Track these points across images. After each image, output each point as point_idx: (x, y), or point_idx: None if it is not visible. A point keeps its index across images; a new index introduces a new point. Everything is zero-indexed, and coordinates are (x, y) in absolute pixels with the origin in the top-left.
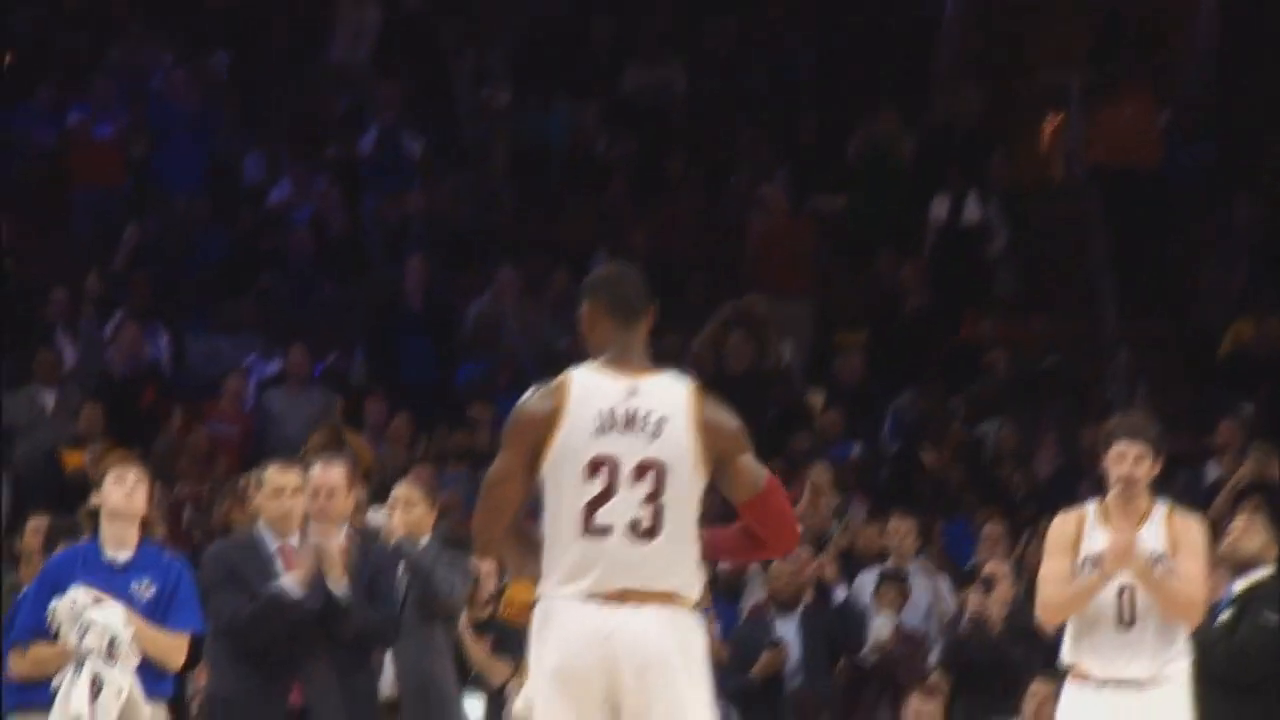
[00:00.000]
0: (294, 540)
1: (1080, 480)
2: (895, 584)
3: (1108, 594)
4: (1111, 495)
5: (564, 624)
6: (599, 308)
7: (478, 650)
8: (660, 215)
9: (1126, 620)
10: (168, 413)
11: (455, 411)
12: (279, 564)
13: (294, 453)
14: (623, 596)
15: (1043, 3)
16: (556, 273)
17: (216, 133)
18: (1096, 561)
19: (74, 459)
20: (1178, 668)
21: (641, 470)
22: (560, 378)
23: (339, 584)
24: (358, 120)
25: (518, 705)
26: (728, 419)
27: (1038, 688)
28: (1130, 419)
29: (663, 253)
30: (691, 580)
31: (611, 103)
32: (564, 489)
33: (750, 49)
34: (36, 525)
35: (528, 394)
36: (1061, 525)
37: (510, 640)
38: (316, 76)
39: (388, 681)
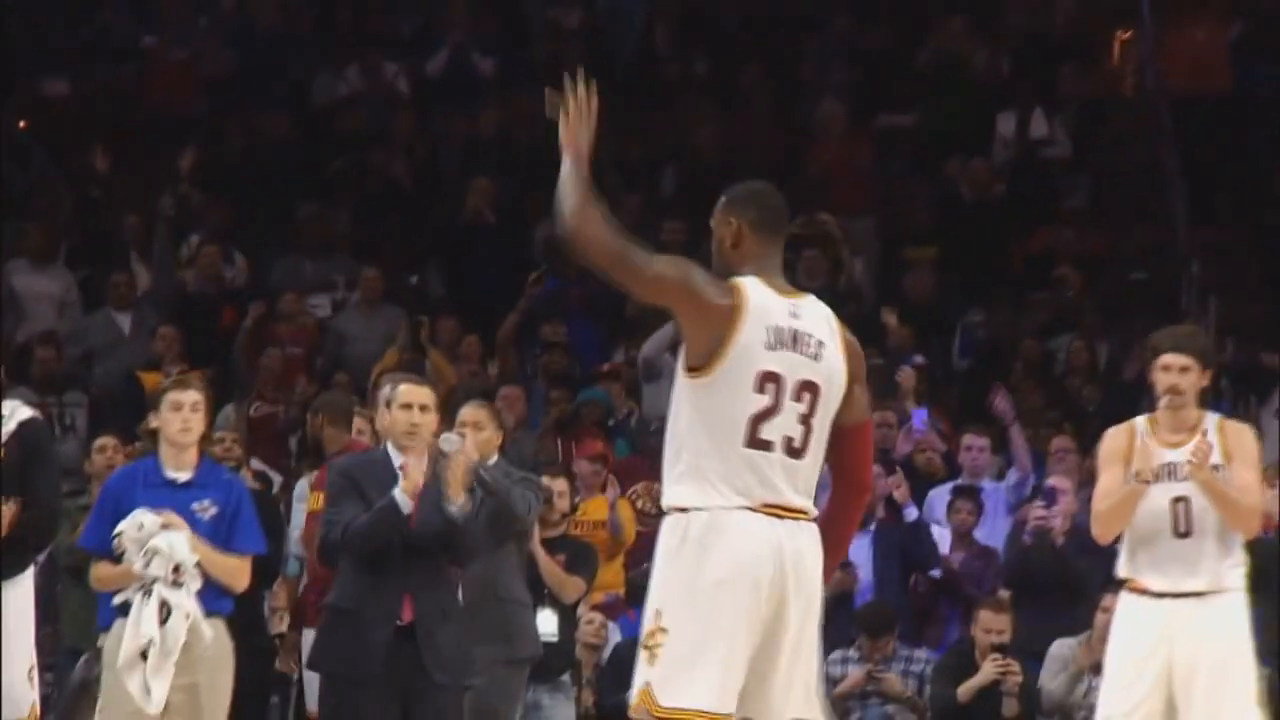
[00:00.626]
0: (411, 459)
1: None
2: (968, 500)
3: (1162, 505)
4: (1160, 407)
5: (731, 534)
6: (748, 221)
7: (552, 567)
8: (731, 130)
9: (1183, 531)
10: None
11: (528, 330)
12: (401, 478)
13: (365, 372)
14: (780, 512)
15: None
16: (628, 194)
17: (291, 53)
18: (1158, 474)
19: (151, 380)
20: (1236, 577)
21: (800, 390)
22: (730, 281)
23: (455, 503)
24: (427, 39)
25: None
26: (858, 345)
27: (1110, 601)
28: (1175, 331)
29: (731, 167)
30: (812, 500)
31: (682, 14)
32: (732, 397)
33: None
34: (103, 444)
35: (694, 267)
36: (1113, 439)
37: (582, 557)
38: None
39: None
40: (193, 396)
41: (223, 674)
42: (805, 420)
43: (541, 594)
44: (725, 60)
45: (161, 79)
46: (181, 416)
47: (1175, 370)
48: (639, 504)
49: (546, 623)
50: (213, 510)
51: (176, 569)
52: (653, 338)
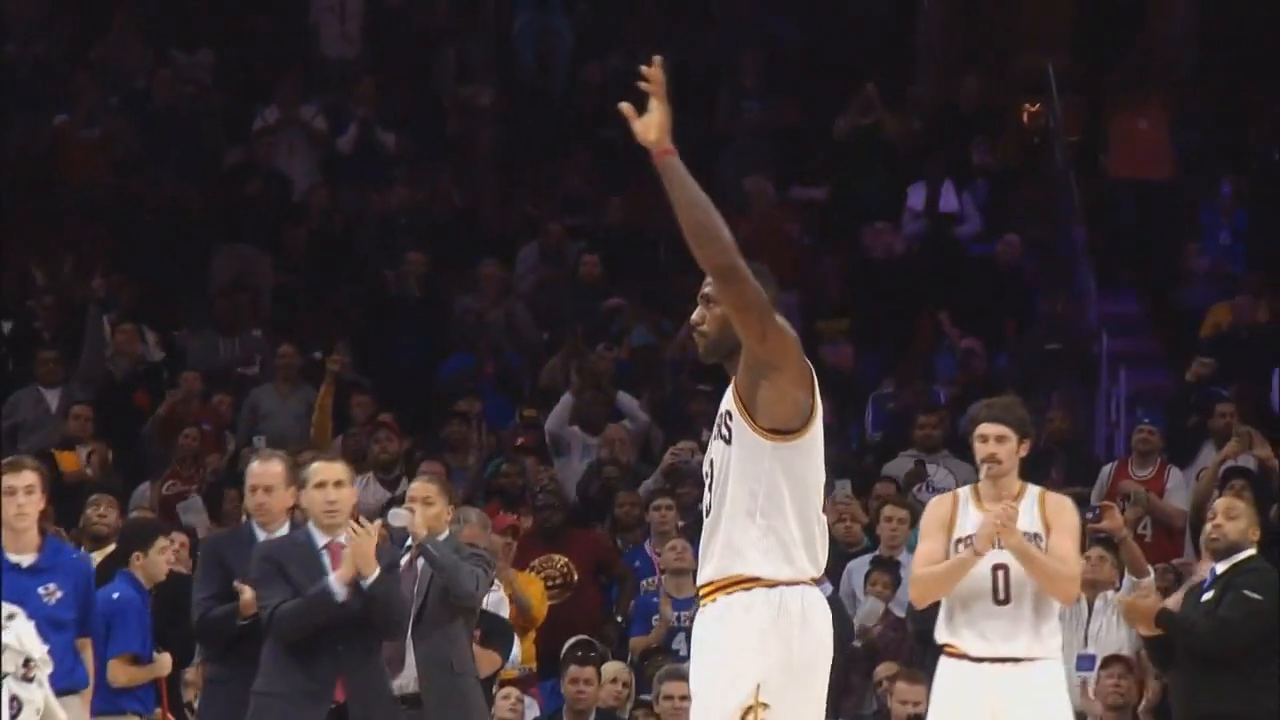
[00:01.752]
0: (342, 538)
1: (1051, 462)
2: (885, 572)
3: (983, 571)
4: (981, 476)
5: (819, 613)
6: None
7: None
8: (642, 198)
9: (1002, 598)
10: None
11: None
12: (326, 561)
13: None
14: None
15: None
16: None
17: (202, 130)
18: (969, 542)
19: (67, 460)
20: (1054, 645)
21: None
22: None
23: (370, 578)
24: (337, 116)
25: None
26: None
27: None
28: (994, 402)
29: (641, 236)
30: None
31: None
32: (817, 461)
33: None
34: None
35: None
36: (935, 508)
37: (498, 631)
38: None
39: (410, 675)
40: (27, 479)
41: None
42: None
43: None
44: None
45: (73, 156)
46: (16, 501)
47: (992, 440)
48: (545, 577)
49: None
50: (59, 594)
51: (27, 663)
52: (553, 412)
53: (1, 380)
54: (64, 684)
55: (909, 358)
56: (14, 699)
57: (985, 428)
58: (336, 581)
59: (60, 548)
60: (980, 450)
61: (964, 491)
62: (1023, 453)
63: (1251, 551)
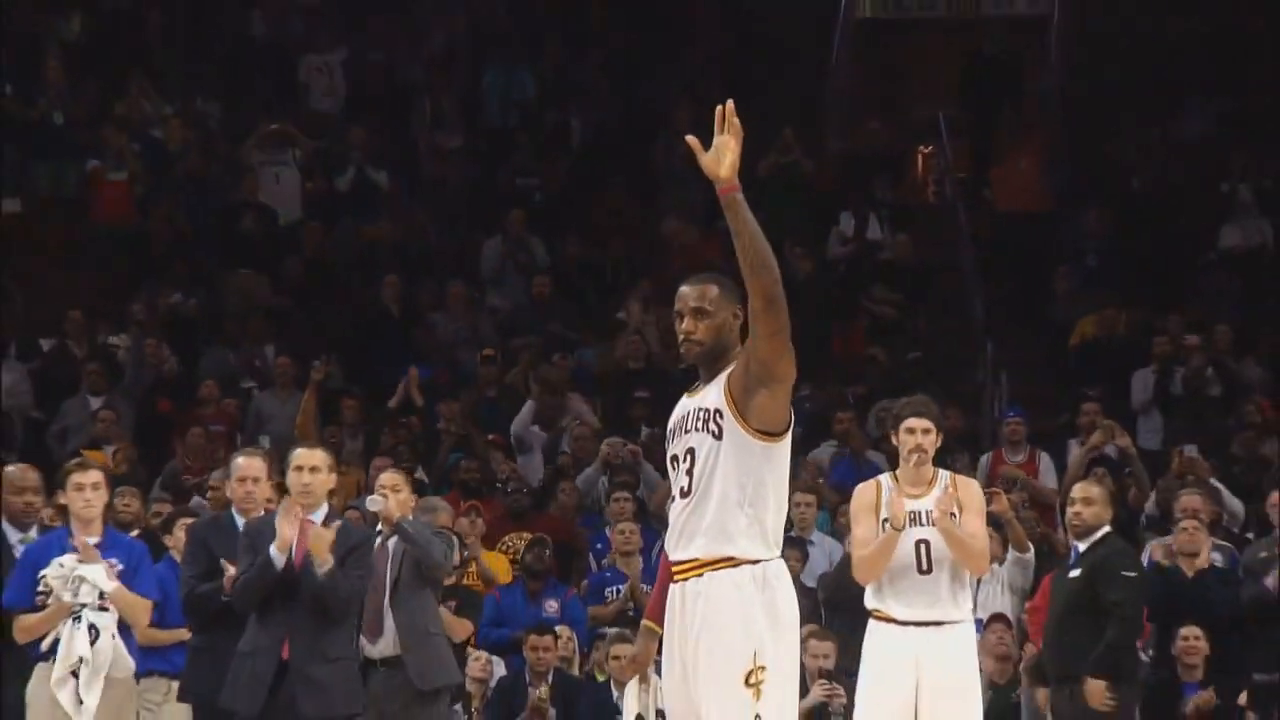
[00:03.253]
0: (316, 515)
1: (948, 455)
2: (796, 549)
3: (907, 546)
4: (903, 464)
5: (788, 584)
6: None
7: (443, 611)
8: (592, 232)
9: (925, 569)
10: (177, 417)
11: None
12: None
13: (281, 446)
14: None
15: (916, 45)
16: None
17: (209, 173)
18: (905, 521)
19: (97, 457)
20: (967, 609)
21: None
22: None
23: (321, 566)
24: (330, 160)
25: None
26: None
27: None
28: (915, 400)
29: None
30: None
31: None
32: (788, 463)
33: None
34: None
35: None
36: (863, 493)
37: (470, 603)
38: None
39: (389, 640)
40: (93, 477)
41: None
42: None
43: None
44: (584, 178)
45: (103, 196)
46: (83, 496)
47: (919, 432)
48: (510, 552)
49: None
50: (118, 567)
51: (101, 594)
52: (518, 417)
53: (45, 388)
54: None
55: (826, 364)
56: (92, 626)
57: (912, 421)
58: (275, 550)
59: (117, 534)
60: (908, 441)
61: (884, 478)
62: (939, 443)
63: (1107, 529)
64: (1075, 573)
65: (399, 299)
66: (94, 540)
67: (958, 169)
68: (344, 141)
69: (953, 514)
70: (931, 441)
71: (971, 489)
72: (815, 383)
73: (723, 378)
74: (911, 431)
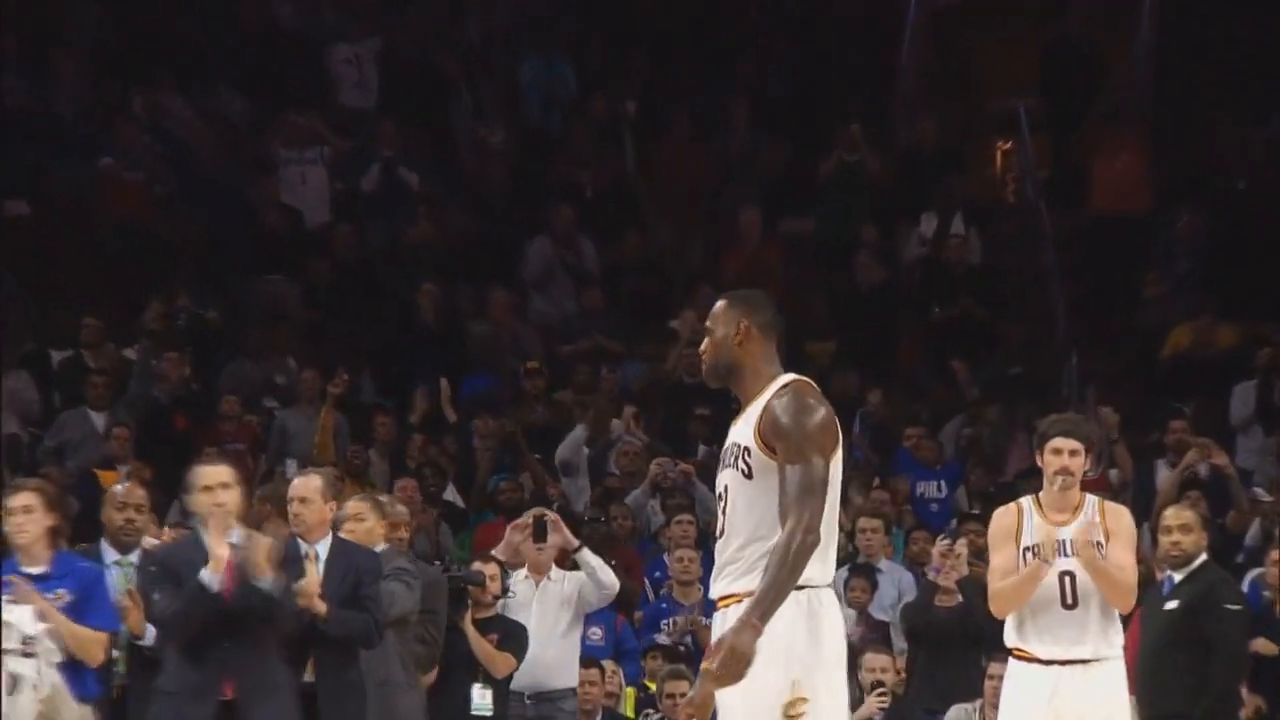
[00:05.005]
0: (233, 537)
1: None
2: (863, 578)
3: (1051, 579)
4: (1048, 488)
5: (836, 615)
6: (757, 324)
7: (483, 644)
8: (652, 236)
9: (1070, 603)
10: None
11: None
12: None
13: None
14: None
15: (993, 32)
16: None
17: (235, 171)
18: (1037, 550)
19: (108, 478)
20: (1117, 644)
21: None
22: (803, 380)
23: (265, 579)
24: (358, 159)
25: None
26: None
27: (996, 669)
28: (1065, 418)
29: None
30: None
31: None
32: (836, 482)
33: (722, 80)
34: None
35: (801, 402)
36: (1002, 519)
37: (514, 636)
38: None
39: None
40: (24, 500)
41: None
42: None
43: (476, 671)
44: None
45: (117, 196)
46: (15, 520)
47: (1065, 454)
48: None
49: (481, 698)
50: (67, 598)
51: (25, 640)
52: (567, 440)
53: (50, 406)
54: (80, 691)
55: (896, 375)
56: (12, 675)
57: (1059, 442)
58: (209, 573)
59: (71, 558)
60: (1053, 463)
61: (1026, 502)
62: (1088, 466)
63: (1204, 559)
64: (1172, 605)
65: (436, 307)
66: (38, 570)
67: (1039, 167)
68: (376, 138)
69: (1099, 543)
70: (1080, 464)
71: (1121, 517)
72: (885, 394)
73: (756, 409)
74: (1058, 453)
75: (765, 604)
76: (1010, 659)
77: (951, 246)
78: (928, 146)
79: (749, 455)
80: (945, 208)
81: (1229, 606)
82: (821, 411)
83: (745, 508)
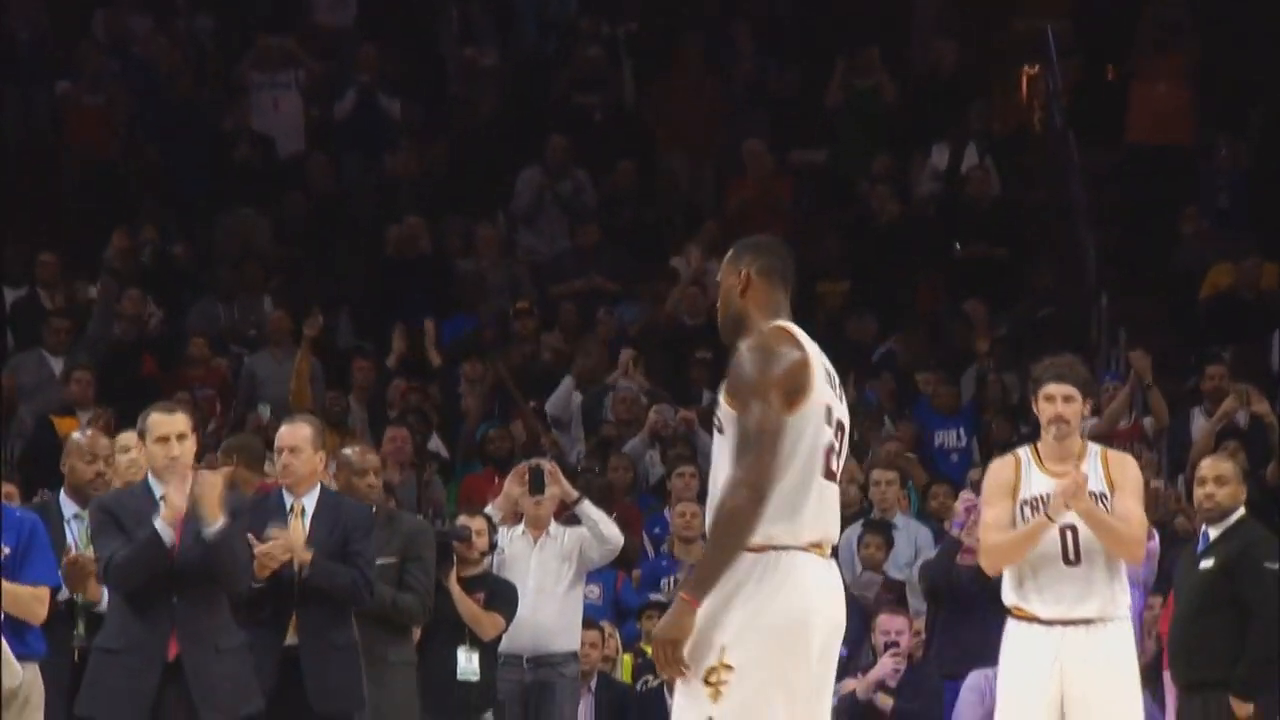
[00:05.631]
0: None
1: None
2: (878, 534)
3: (1052, 534)
4: (1045, 437)
5: (802, 579)
6: (756, 269)
7: (469, 605)
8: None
9: (1072, 559)
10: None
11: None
12: (162, 508)
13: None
14: (830, 550)
15: None
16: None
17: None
18: (1036, 504)
19: (66, 425)
20: (1124, 604)
21: (839, 427)
22: (777, 326)
23: (209, 525)
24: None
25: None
26: None
27: None
28: (1058, 361)
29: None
30: None
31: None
32: (811, 430)
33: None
34: None
35: (758, 347)
36: (999, 470)
37: (502, 595)
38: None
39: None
40: None
41: (33, 716)
42: (839, 453)
43: (462, 633)
44: (640, 104)
45: (76, 123)
46: None
47: (1060, 400)
48: None
49: (467, 661)
50: (4, 551)
51: None
52: (555, 394)
53: (4, 348)
54: (19, 650)
55: (913, 317)
56: None
57: (1052, 388)
58: (162, 522)
59: (5, 510)
60: (1047, 410)
61: (1024, 452)
62: (1086, 412)
63: (1241, 513)
64: (1207, 563)
65: (419, 243)
66: None
67: (1069, 93)
68: (354, 61)
69: (1103, 495)
70: (1076, 411)
71: (1128, 464)
72: (903, 337)
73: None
74: (1051, 399)
75: (700, 574)
76: (1009, 619)
77: (973, 181)
78: (947, 71)
79: (718, 409)
80: (958, 138)
81: (1269, 565)
82: (782, 356)
83: (720, 466)
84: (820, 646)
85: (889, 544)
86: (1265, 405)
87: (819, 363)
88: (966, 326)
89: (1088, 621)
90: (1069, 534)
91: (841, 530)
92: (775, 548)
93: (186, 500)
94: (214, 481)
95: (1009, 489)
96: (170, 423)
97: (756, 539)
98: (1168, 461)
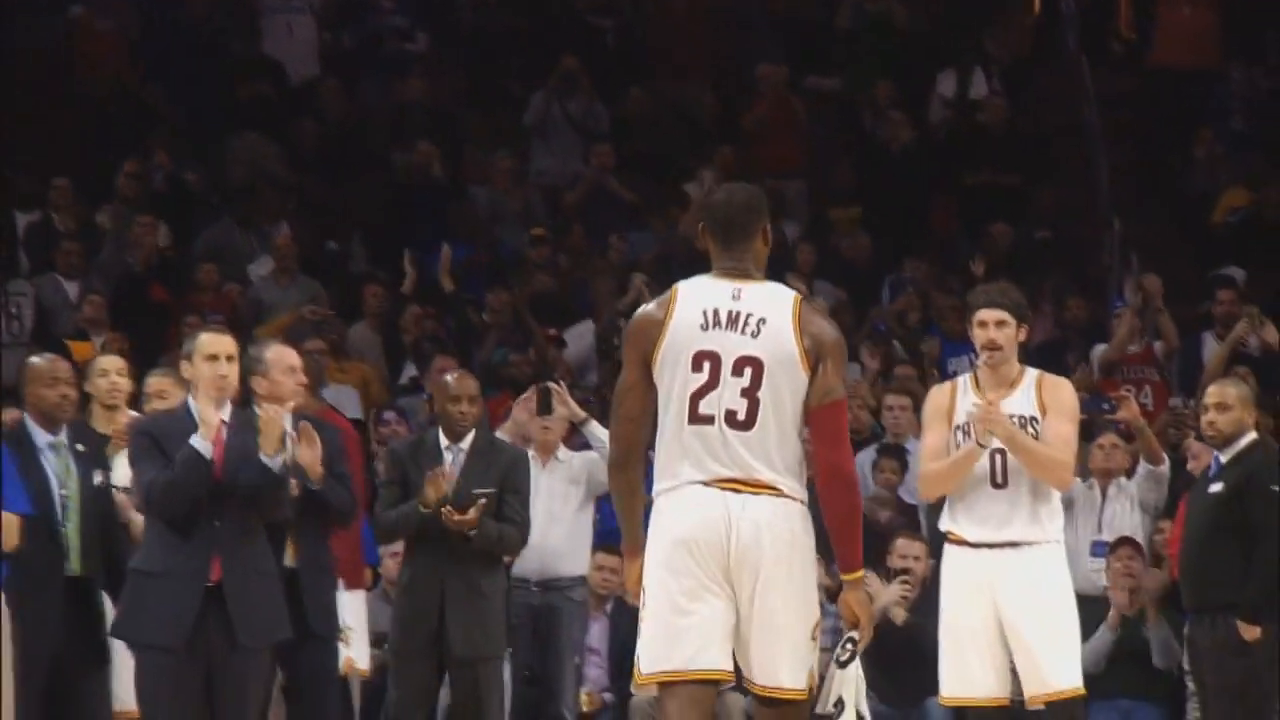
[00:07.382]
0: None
1: (1068, 351)
2: (893, 459)
3: (982, 458)
4: (979, 363)
5: (684, 503)
6: (707, 228)
7: None
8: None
9: (999, 482)
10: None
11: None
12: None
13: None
14: (728, 484)
15: None
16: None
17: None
18: (967, 430)
19: (80, 349)
20: (1053, 528)
21: (740, 365)
22: (671, 288)
23: (270, 456)
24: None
25: None
26: (828, 328)
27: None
28: (991, 287)
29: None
30: (789, 475)
31: None
32: (674, 381)
33: None
34: None
35: (643, 306)
36: (935, 397)
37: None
38: None
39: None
40: None
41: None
42: (748, 393)
43: None
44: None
45: (88, 47)
46: None
47: (991, 325)
48: None
49: None
50: None
51: None
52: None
53: (19, 273)
54: None
55: (927, 242)
56: None
57: (984, 313)
58: (200, 438)
59: None
60: (980, 336)
61: (963, 379)
62: (1021, 337)
63: (1253, 436)
64: (1216, 487)
65: (432, 169)
66: None
67: (1083, 14)
68: None
69: (1033, 419)
70: (1009, 336)
71: (1062, 389)
72: (918, 262)
73: None
74: (984, 325)
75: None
76: (945, 543)
77: (986, 107)
78: None
79: None
80: (965, 63)
81: (1276, 488)
82: (632, 322)
83: None
84: (719, 559)
85: (904, 468)
86: (1276, 332)
87: (691, 312)
88: (982, 251)
89: (1014, 544)
90: (998, 457)
91: (855, 454)
92: (666, 490)
93: (221, 420)
94: (279, 413)
95: (944, 414)
96: (220, 343)
97: (657, 488)
98: (1179, 386)
